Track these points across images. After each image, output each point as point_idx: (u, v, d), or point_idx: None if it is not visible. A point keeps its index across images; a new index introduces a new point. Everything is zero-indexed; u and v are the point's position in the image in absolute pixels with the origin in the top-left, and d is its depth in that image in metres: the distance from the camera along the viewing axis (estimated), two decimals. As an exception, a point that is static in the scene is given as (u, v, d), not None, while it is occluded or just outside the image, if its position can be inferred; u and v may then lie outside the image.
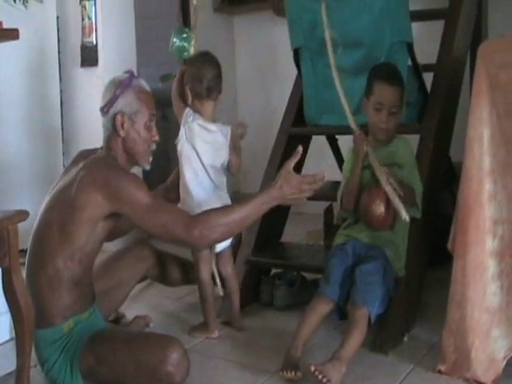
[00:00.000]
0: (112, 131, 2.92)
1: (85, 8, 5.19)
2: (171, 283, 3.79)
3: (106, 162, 2.87)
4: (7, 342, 3.09)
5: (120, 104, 2.90)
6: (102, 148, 2.98)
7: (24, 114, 4.58)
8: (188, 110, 3.45)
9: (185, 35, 3.90)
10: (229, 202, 3.45)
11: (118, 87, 2.91)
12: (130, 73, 2.99)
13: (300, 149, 2.84)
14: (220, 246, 3.48)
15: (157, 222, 2.77)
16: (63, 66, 5.24)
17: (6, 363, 3.02)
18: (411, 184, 3.17)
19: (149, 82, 3.10)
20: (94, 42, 5.16)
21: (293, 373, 2.87)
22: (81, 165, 2.84)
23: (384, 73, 3.29)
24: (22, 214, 2.59)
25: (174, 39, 3.89)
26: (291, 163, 2.86)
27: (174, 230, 2.77)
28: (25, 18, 4.56)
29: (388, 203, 3.05)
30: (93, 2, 5.16)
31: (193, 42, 3.87)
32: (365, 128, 3.29)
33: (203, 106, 3.44)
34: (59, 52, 5.12)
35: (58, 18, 5.10)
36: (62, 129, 5.13)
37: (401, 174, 3.14)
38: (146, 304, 3.93)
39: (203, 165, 3.41)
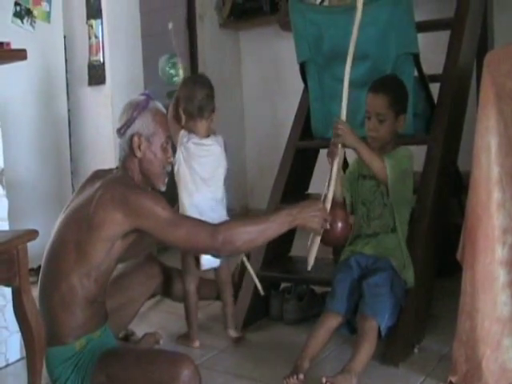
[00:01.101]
0: (128, 152, 2.92)
1: (91, 27, 5.22)
2: (179, 299, 3.81)
3: (124, 180, 2.88)
4: (18, 361, 3.09)
5: (137, 126, 2.91)
6: (117, 168, 2.99)
7: (32, 132, 4.60)
8: (183, 132, 3.52)
9: (172, 61, 3.98)
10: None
11: (136, 109, 2.92)
12: (147, 95, 3.01)
13: None
14: (207, 265, 3.55)
15: (180, 233, 2.76)
16: (71, 84, 5.26)
17: (17, 382, 3.03)
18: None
19: (156, 99, 3.12)
20: (101, 61, 5.18)
21: (294, 377, 2.87)
22: (98, 184, 2.84)
23: (373, 83, 3.32)
24: (32, 234, 2.60)
25: (164, 67, 4.00)
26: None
27: (198, 240, 2.77)
28: (32, 38, 4.59)
29: (346, 222, 3.14)
30: (99, 21, 5.18)
31: (180, 66, 3.96)
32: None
33: (196, 126, 3.53)
34: (67, 71, 5.15)
35: (65, 37, 5.12)
36: (70, 147, 5.15)
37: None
38: (155, 321, 3.93)
39: (203, 180, 3.49)
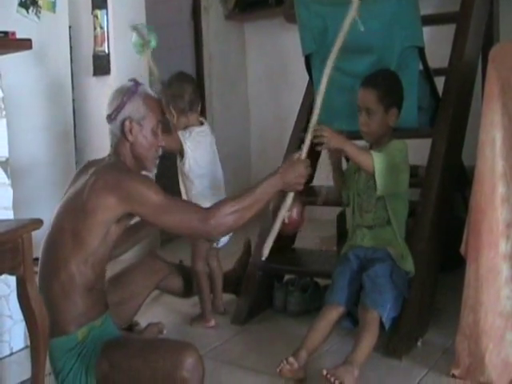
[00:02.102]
0: (120, 137, 2.94)
1: (97, 17, 5.21)
2: (179, 294, 3.88)
3: (116, 166, 2.90)
4: (22, 349, 3.10)
5: (128, 110, 2.93)
6: (109, 155, 3.00)
7: (37, 122, 4.60)
8: (180, 133, 3.72)
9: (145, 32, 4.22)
10: None
11: (126, 94, 2.95)
12: (135, 80, 3.04)
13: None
14: (222, 242, 3.73)
15: (172, 218, 2.79)
16: (76, 75, 5.26)
17: (21, 371, 3.04)
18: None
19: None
20: (106, 51, 5.18)
21: (284, 361, 2.89)
22: (91, 171, 2.87)
23: (365, 78, 3.34)
24: (36, 223, 2.61)
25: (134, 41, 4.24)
26: (296, 154, 3.06)
27: (190, 224, 2.79)
28: (38, 28, 4.58)
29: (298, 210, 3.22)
30: (105, 12, 5.18)
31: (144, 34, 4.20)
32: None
33: (189, 119, 3.76)
34: (72, 61, 5.14)
35: (70, 27, 5.11)
36: (75, 137, 5.15)
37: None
38: (160, 311, 3.93)
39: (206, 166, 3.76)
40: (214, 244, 3.78)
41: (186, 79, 3.89)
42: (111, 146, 2.99)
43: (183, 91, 3.76)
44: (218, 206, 2.86)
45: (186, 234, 2.99)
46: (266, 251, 3.16)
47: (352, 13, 3.06)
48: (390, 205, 3.22)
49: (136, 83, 3.01)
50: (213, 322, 3.76)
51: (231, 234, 3.51)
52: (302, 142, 4.02)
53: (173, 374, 2.67)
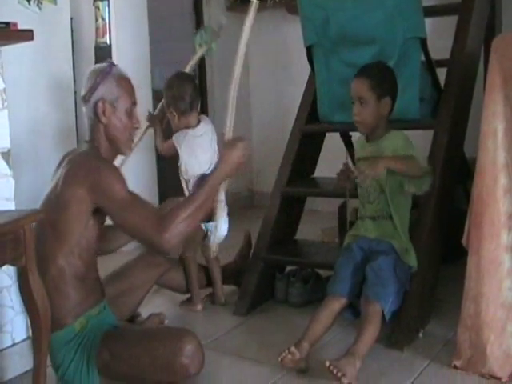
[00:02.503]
0: (94, 119, 2.93)
1: (98, 9, 5.21)
2: (179, 289, 3.91)
3: (87, 155, 2.88)
4: (24, 340, 3.10)
5: (101, 91, 2.91)
6: (85, 141, 3.00)
7: (39, 113, 4.59)
8: (175, 136, 3.80)
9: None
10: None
11: (99, 75, 2.93)
12: (110, 62, 3.03)
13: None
14: (219, 238, 3.69)
15: (128, 220, 2.75)
16: (77, 66, 5.25)
17: (23, 362, 3.05)
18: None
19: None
20: (108, 43, 5.18)
21: (286, 351, 2.90)
22: (65, 163, 2.87)
23: (358, 69, 3.32)
24: (38, 214, 2.61)
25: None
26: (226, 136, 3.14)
27: (145, 230, 2.74)
28: (39, 19, 4.57)
29: None
30: (106, 3, 5.17)
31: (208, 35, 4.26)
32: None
33: (188, 120, 3.84)
34: (73, 53, 5.13)
35: (72, 19, 5.10)
36: (77, 128, 5.14)
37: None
38: (161, 302, 3.94)
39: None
40: (208, 242, 3.74)
41: (187, 80, 3.94)
42: (88, 129, 2.98)
43: (184, 92, 3.83)
44: (172, 216, 2.78)
45: (139, 238, 2.86)
46: (213, 249, 3.33)
47: (251, 14, 3.07)
48: (392, 200, 3.22)
49: (111, 64, 2.99)
50: (199, 307, 3.84)
51: (228, 226, 3.68)
52: (305, 135, 4.07)
53: (173, 361, 2.69)
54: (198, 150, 3.83)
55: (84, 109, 2.97)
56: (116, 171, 2.83)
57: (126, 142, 2.98)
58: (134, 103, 3.00)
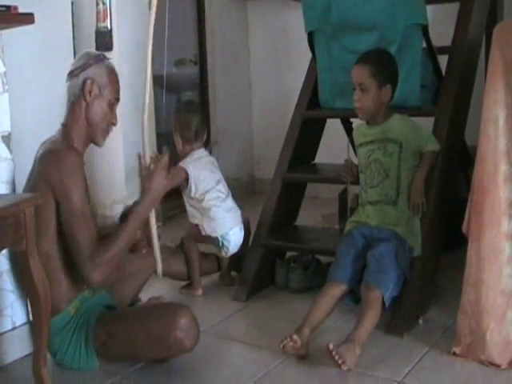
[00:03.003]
0: (78, 96, 2.96)
1: (99, -7, 5.19)
2: (179, 277, 3.92)
3: (56, 151, 2.87)
4: (24, 324, 3.11)
5: (92, 71, 2.95)
6: (62, 125, 3.02)
7: (39, 97, 4.57)
8: (181, 164, 3.87)
9: None
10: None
11: (93, 58, 2.99)
12: (103, 54, 3.09)
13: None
14: (233, 250, 3.90)
15: (74, 235, 2.78)
16: (78, 51, 5.20)
17: (23, 346, 3.05)
18: (423, 146, 3.28)
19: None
20: (109, 27, 5.15)
21: (288, 339, 2.90)
22: (38, 153, 2.92)
23: (359, 56, 3.33)
24: (38, 198, 2.61)
25: None
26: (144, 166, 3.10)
27: (81, 254, 2.78)
28: (39, 3, 4.54)
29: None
30: (107, -12, 5.15)
31: None
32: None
33: (193, 148, 3.90)
34: (74, 37, 5.11)
35: (72, 3, 5.08)
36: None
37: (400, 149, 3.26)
38: (161, 286, 3.93)
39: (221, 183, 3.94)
40: (222, 254, 3.95)
41: (194, 110, 4.04)
42: (67, 107, 3.02)
43: (190, 122, 3.91)
44: (105, 253, 2.80)
45: (73, 256, 2.83)
46: (159, 268, 3.25)
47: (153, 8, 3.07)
48: (403, 182, 3.25)
49: (104, 55, 3.06)
50: (200, 292, 3.87)
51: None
52: (306, 121, 4.06)
53: (167, 335, 2.73)
54: (203, 165, 3.92)
55: (67, 85, 3.00)
56: (79, 177, 2.84)
57: (102, 131, 3.02)
58: (117, 99, 3.05)
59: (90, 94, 2.93)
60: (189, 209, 3.95)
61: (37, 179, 2.84)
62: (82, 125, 2.97)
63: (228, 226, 3.87)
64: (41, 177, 2.82)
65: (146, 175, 3.05)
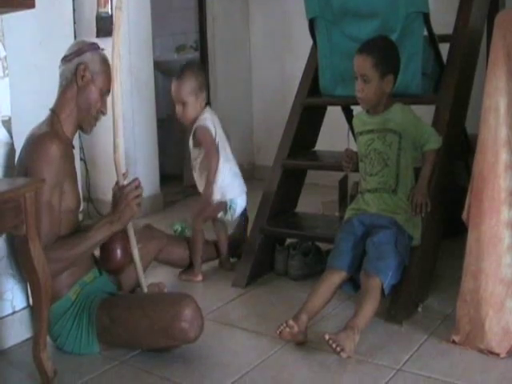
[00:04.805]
0: (71, 80, 2.97)
1: (100, -22, 5.17)
2: (179, 265, 3.93)
3: (36, 138, 2.87)
4: (24, 308, 3.12)
5: (86, 57, 2.97)
6: (51, 110, 3.03)
7: (40, 82, 4.57)
8: (204, 124, 3.88)
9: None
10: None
11: (88, 45, 3.02)
12: (97, 44, 3.10)
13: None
14: (238, 211, 3.94)
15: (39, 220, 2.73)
16: (78, 36, 5.21)
17: (23, 330, 3.06)
18: (425, 143, 3.28)
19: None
20: (110, 13, 5.14)
21: (284, 324, 2.91)
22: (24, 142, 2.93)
23: (361, 44, 3.30)
24: (39, 182, 2.61)
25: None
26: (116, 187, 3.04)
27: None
28: (40, -13, 4.55)
29: (126, 251, 3.10)
30: (108, -28, 5.14)
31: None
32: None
33: (202, 107, 3.93)
34: (74, 22, 5.11)
35: (73, -12, 5.08)
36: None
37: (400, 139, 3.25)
38: (161, 272, 3.94)
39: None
40: (228, 217, 3.95)
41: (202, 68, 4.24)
42: (58, 91, 3.03)
43: (204, 78, 4.03)
44: (54, 253, 2.76)
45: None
46: (144, 287, 3.18)
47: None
48: (403, 171, 3.25)
49: (99, 46, 3.07)
50: (200, 277, 3.88)
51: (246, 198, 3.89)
52: (306, 108, 4.06)
53: (172, 325, 2.73)
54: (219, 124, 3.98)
55: (60, 70, 3.02)
56: (53, 168, 2.81)
57: (91, 117, 3.03)
58: (108, 91, 3.04)
59: (82, 79, 2.95)
60: (197, 178, 3.97)
61: (17, 164, 2.90)
62: (73, 109, 2.98)
63: (237, 192, 3.91)
64: (21, 163, 2.86)
65: (119, 203, 2.97)
